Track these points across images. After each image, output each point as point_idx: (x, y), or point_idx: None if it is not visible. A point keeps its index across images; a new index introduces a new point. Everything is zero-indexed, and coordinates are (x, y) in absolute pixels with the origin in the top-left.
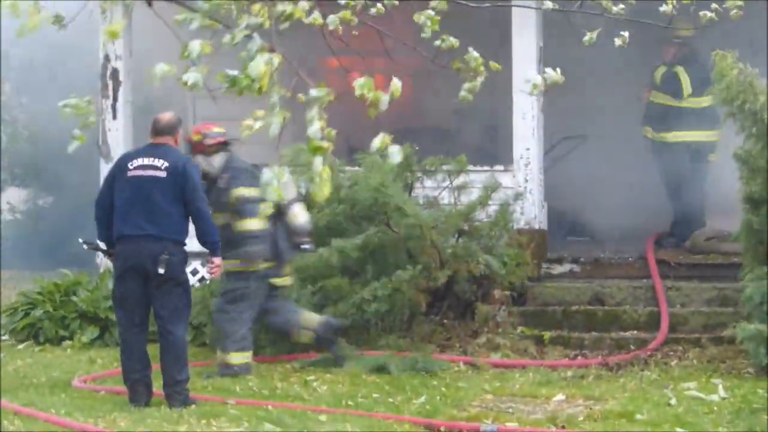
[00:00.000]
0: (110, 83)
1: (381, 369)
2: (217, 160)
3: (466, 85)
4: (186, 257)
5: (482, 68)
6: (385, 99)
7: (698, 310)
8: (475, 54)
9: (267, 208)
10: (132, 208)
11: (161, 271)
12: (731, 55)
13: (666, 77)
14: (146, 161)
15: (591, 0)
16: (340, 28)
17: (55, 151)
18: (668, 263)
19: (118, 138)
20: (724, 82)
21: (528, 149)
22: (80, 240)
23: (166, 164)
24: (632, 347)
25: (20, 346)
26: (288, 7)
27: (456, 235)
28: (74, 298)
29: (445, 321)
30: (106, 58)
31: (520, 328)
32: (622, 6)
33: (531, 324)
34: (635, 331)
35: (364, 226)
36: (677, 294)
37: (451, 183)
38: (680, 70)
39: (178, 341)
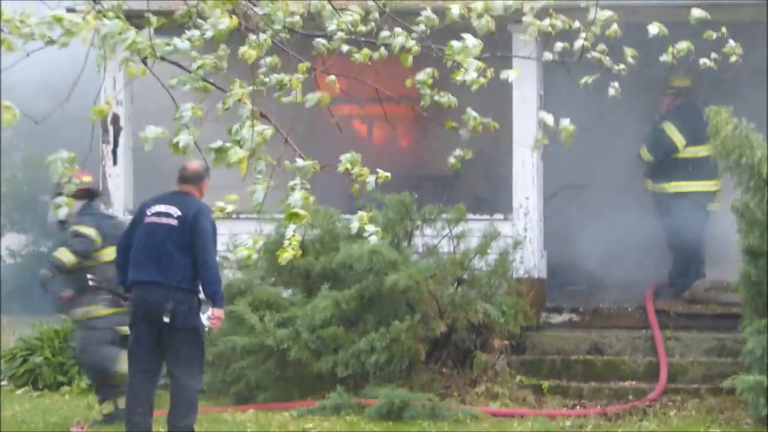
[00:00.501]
0: (111, 128)
1: (390, 413)
2: (77, 207)
3: (457, 152)
4: (197, 305)
5: (481, 127)
6: (371, 181)
7: (697, 360)
8: (474, 113)
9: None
10: (144, 255)
11: (166, 319)
12: (726, 110)
13: (654, 138)
14: (163, 208)
15: (589, 54)
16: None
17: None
18: (667, 313)
19: (119, 183)
20: (720, 138)
21: (527, 198)
22: (88, 276)
23: (179, 213)
24: (631, 397)
25: (19, 392)
26: (284, 79)
27: (455, 284)
28: (73, 344)
29: (444, 370)
30: (107, 103)
31: (518, 377)
32: (623, 66)
33: (530, 373)
34: (634, 382)
35: (362, 274)
36: (676, 344)
37: (451, 231)
38: (666, 125)
39: (184, 389)
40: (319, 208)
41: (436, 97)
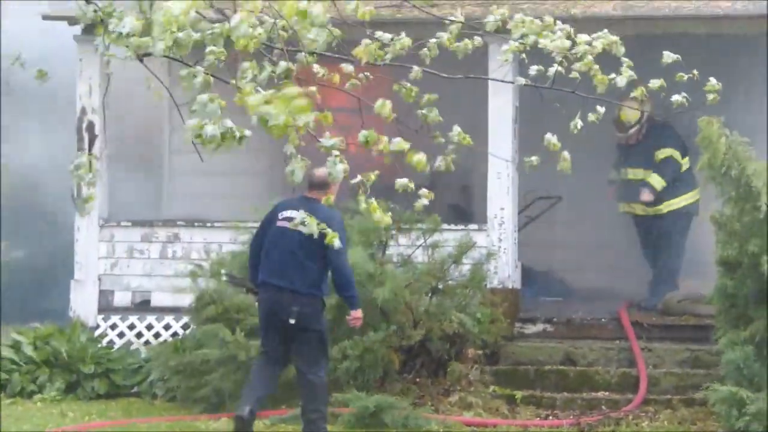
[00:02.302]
0: (86, 136)
1: (363, 420)
2: None
3: (448, 157)
4: (321, 308)
5: (468, 140)
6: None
7: (670, 372)
8: (458, 129)
9: None
10: (273, 258)
11: (291, 321)
12: (717, 121)
13: (664, 166)
14: (293, 213)
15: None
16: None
17: (28, 204)
18: (641, 324)
19: (93, 191)
20: (711, 149)
21: (502, 209)
22: (223, 271)
23: None
24: (604, 408)
25: None
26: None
27: (430, 294)
28: (45, 351)
29: (418, 379)
30: (83, 111)
31: (492, 387)
32: (623, 78)
33: (503, 383)
34: (607, 392)
35: None
36: (650, 355)
37: (426, 241)
38: (671, 151)
39: (310, 383)
40: None
41: (422, 112)
